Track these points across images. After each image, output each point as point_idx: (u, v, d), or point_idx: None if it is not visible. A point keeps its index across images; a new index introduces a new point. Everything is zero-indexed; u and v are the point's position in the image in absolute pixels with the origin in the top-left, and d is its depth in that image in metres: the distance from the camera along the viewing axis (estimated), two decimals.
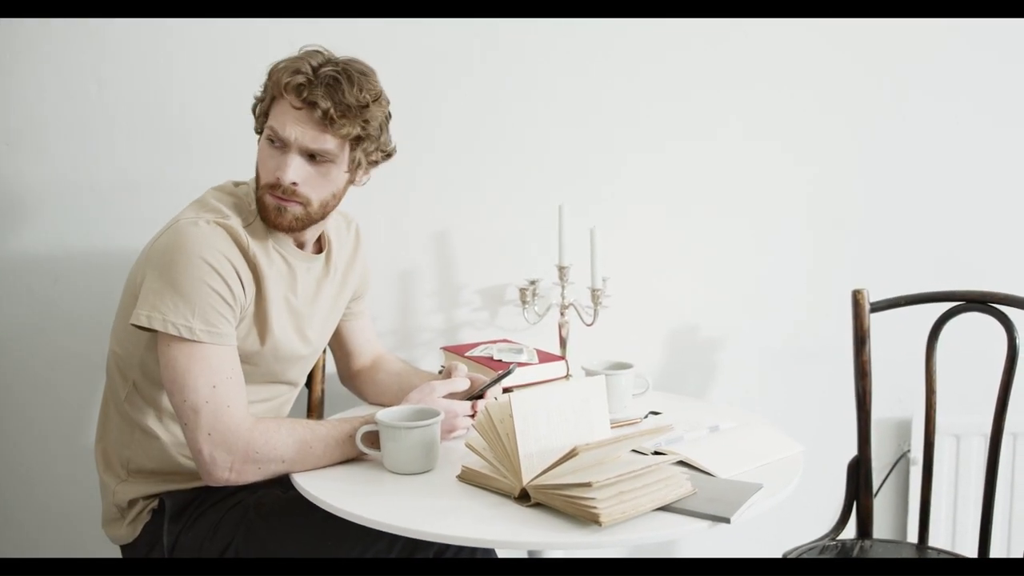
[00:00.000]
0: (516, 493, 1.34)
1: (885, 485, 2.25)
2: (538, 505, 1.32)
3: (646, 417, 1.72)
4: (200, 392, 1.44)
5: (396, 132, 1.63)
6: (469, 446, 1.43)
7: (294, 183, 1.51)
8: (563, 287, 2.02)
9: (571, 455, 1.28)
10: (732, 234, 2.17)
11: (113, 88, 1.98)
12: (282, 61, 1.52)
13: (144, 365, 1.56)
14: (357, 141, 1.53)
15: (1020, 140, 2.18)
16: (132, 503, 1.61)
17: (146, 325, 1.45)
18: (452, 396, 1.61)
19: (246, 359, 1.55)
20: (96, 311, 1.94)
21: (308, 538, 1.51)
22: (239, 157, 1.75)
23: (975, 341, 1.94)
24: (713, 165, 2.14)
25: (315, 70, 1.49)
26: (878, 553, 1.87)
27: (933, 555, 1.89)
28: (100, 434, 1.67)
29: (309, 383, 1.93)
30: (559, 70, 2.08)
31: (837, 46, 2.12)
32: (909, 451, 2.22)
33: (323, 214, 1.58)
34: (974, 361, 2.02)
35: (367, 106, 1.51)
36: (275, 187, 1.52)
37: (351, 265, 1.77)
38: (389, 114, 1.59)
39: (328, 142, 1.50)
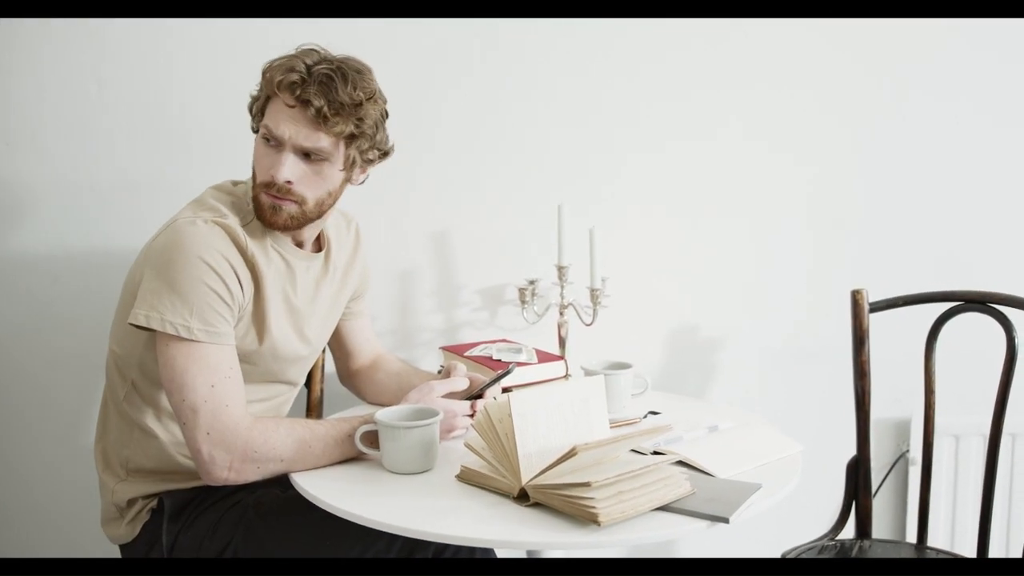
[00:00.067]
0: (515, 493, 1.34)
1: (884, 485, 2.25)
2: (537, 505, 1.32)
3: (645, 417, 1.72)
4: (198, 391, 1.43)
5: (396, 132, 1.63)
6: (468, 446, 1.43)
7: (289, 181, 1.51)
8: (562, 287, 2.02)
9: (570, 455, 1.28)
10: (732, 234, 2.17)
11: (113, 88, 1.98)
12: (277, 59, 1.52)
13: (143, 365, 1.56)
14: (351, 139, 1.53)
15: (1020, 140, 2.18)
16: (131, 502, 1.62)
17: (144, 324, 1.45)
18: (451, 396, 1.61)
19: (245, 358, 1.55)
20: (95, 311, 1.94)
21: (307, 538, 1.51)
22: (239, 157, 1.75)
23: (974, 341, 1.94)
24: (713, 165, 2.14)
25: (309, 68, 1.48)
26: (877, 553, 1.87)
27: (932, 555, 1.88)
28: (99, 434, 1.67)
29: (308, 383, 1.93)
30: (559, 70, 2.08)
31: (837, 46, 2.12)
32: (908, 451, 2.22)
33: (319, 213, 1.57)
34: (973, 361, 2.02)
35: (361, 104, 1.50)
36: (270, 185, 1.52)
37: (351, 264, 1.77)
38: (385, 112, 1.58)
39: (322, 140, 1.50)
